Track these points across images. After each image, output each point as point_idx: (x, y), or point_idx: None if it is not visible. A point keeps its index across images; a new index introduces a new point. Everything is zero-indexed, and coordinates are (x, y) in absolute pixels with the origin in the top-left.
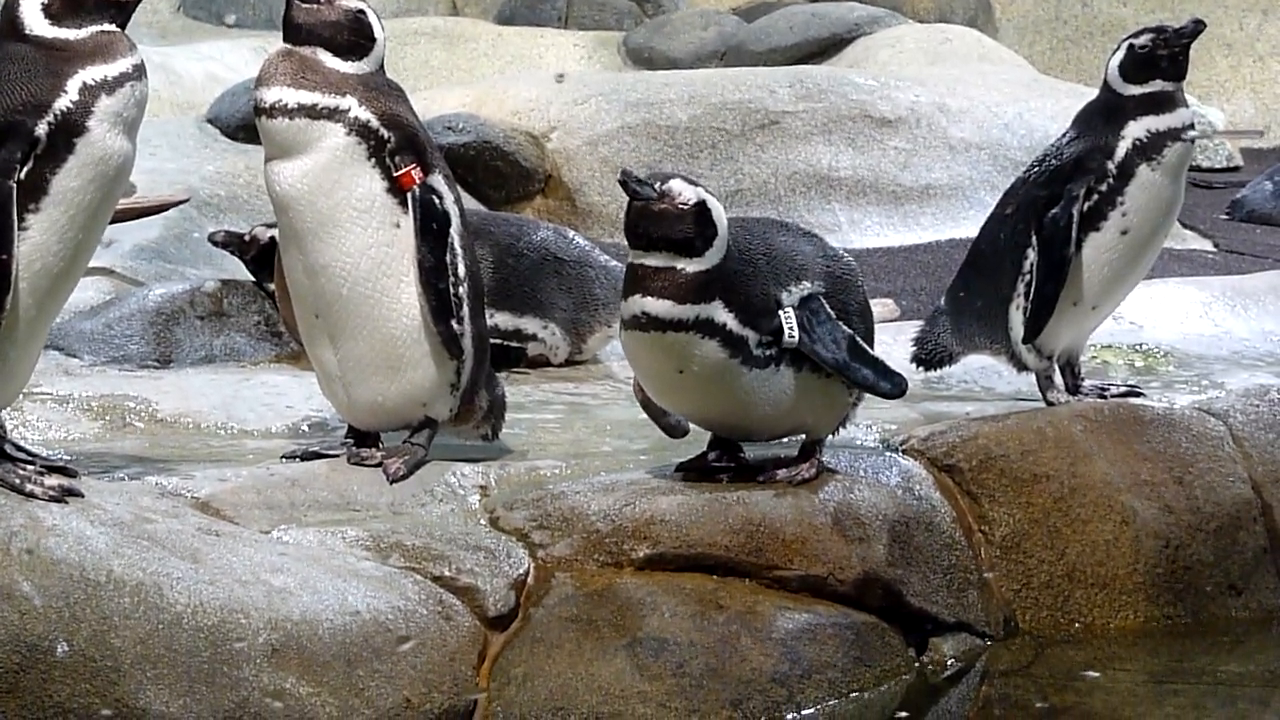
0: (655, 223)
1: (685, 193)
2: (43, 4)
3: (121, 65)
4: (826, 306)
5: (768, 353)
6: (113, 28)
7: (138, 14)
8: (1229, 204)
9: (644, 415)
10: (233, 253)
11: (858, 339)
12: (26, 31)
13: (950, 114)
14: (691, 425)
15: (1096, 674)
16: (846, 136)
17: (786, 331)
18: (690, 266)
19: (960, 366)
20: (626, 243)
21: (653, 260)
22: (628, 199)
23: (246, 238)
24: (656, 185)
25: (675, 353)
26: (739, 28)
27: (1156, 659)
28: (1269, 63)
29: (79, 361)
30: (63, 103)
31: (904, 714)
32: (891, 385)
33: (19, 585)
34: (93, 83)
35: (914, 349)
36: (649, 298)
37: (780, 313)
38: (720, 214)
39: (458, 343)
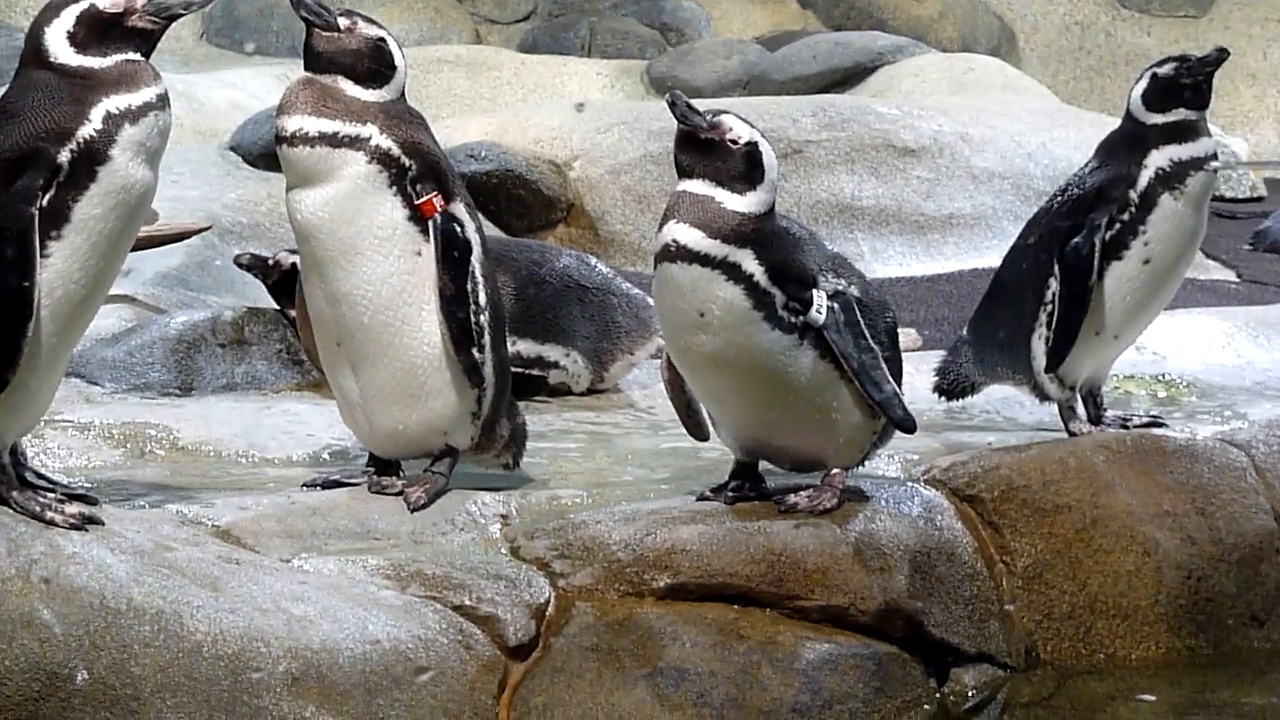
0: (699, 151)
1: (737, 129)
2: (68, 32)
3: (145, 94)
4: (859, 312)
5: (792, 319)
6: (137, 57)
7: (161, 41)
8: (1252, 234)
9: (665, 445)
10: (256, 275)
11: (880, 359)
12: (51, 59)
13: (973, 143)
14: (712, 438)
15: (1118, 705)
16: (869, 166)
17: (815, 307)
18: (729, 203)
19: (982, 396)
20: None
21: (694, 188)
22: (677, 124)
23: (270, 262)
24: (709, 116)
25: (698, 290)
26: (762, 57)
27: (1179, 690)
28: None
29: (100, 389)
30: (86, 131)
31: None
32: (904, 413)
33: (39, 613)
34: (116, 111)
35: (936, 379)
36: (682, 224)
37: (814, 289)
38: (771, 162)
39: (479, 371)
